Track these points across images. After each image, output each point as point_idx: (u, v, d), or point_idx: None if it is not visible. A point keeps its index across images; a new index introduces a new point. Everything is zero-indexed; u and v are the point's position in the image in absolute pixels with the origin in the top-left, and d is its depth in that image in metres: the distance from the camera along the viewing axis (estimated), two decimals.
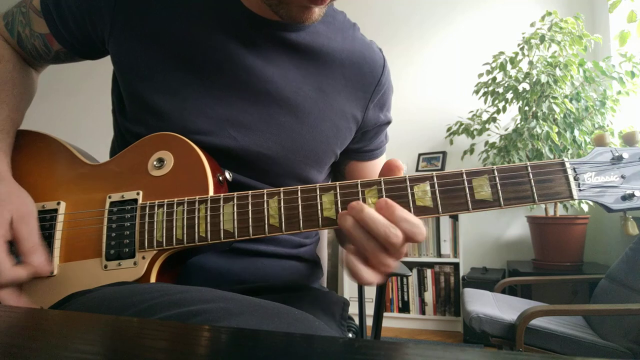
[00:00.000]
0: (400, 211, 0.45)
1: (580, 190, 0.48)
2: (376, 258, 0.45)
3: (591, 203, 2.12)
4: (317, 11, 0.56)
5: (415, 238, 0.45)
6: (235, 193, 0.53)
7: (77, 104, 3.46)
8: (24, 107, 0.67)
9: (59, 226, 0.56)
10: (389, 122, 0.75)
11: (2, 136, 0.60)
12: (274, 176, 0.63)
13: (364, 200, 0.50)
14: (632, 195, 0.47)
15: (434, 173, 0.49)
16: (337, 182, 0.51)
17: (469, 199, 0.48)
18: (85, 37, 0.66)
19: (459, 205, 0.49)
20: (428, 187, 0.49)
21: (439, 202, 0.49)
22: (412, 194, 0.49)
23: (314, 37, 0.65)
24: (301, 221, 0.51)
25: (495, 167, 0.49)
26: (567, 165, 0.48)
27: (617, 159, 0.49)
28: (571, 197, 0.48)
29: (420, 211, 0.49)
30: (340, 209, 0.50)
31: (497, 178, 0.48)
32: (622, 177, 0.48)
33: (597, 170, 0.49)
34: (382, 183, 0.50)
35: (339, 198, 0.50)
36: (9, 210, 0.53)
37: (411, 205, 0.49)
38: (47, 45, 0.67)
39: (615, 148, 0.49)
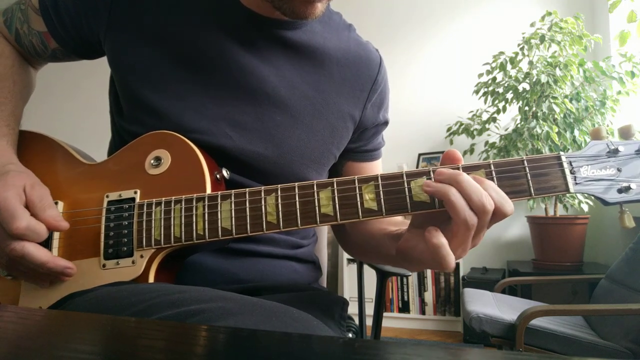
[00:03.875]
0: (489, 182, 0.46)
1: (576, 183, 0.48)
2: (465, 233, 0.44)
3: (591, 203, 2.12)
4: (320, 7, 0.56)
5: (504, 209, 0.45)
6: (233, 191, 0.53)
7: (76, 104, 3.46)
8: (23, 104, 0.67)
9: None
10: (386, 123, 0.75)
11: (9, 131, 0.61)
12: (272, 177, 0.63)
13: (361, 196, 0.50)
14: (628, 188, 0.48)
15: (431, 168, 0.49)
16: (334, 179, 0.51)
17: None
18: (82, 37, 0.66)
19: None
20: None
21: (436, 197, 0.49)
22: (409, 189, 0.49)
23: (311, 37, 0.66)
24: (299, 218, 0.51)
25: (491, 161, 0.49)
26: (564, 158, 0.48)
27: (613, 152, 0.49)
28: (567, 190, 0.48)
29: (417, 206, 0.49)
30: (337, 206, 0.50)
31: (493, 172, 0.49)
32: (618, 170, 0.48)
33: (593, 164, 0.49)
34: (379, 179, 0.50)
35: (336, 194, 0.51)
36: (21, 179, 0.54)
37: (408, 200, 0.49)
38: (44, 43, 0.67)
39: (611, 141, 0.49)
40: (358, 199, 0.50)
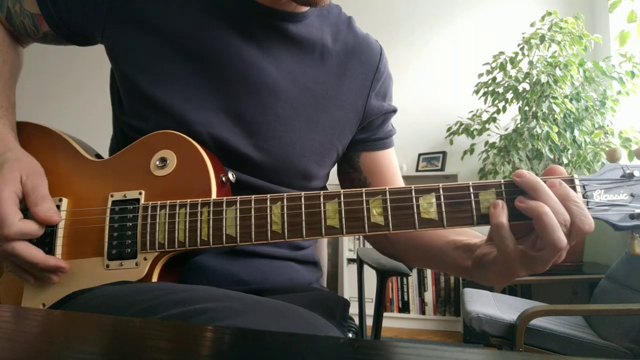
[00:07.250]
0: (572, 193, 0.45)
1: (588, 208, 0.46)
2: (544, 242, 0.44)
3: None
4: None
5: (582, 225, 0.43)
6: (238, 197, 0.52)
7: (79, 100, 3.45)
8: (14, 83, 0.66)
9: (62, 223, 0.56)
10: (394, 111, 0.75)
11: (3, 113, 0.60)
12: (273, 170, 0.63)
13: (368, 210, 0.49)
14: None
15: (440, 185, 0.48)
16: (342, 190, 0.50)
17: (474, 213, 0.47)
18: (76, 25, 0.64)
19: (465, 219, 0.48)
20: (434, 200, 0.48)
21: (444, 215, 0.48)
22: (417, 206, 0.48)
23: (311, 30, 0.66)
24: (304, 229, 0.50)
25: (503, 181, 0.48)
26: (577, 182, 0.47)
27: (628, 177, 0.47)
28: None
29: (424, 223, 0.48)
30: (343, 219, 0.49)
31: (504, 193, 0.47)
32: (632, 195, 0.47)
33: (607, 188, 0.47)
34: (387, 193, 0.49)
35: (342, 207, 0.50)
36: (17, 169, 0.54)
37: (416, 217, 0.48)
38: (35, 25, 0.66)
39: (627, 165, 0.48)
40: (365, 213, 0.49)
